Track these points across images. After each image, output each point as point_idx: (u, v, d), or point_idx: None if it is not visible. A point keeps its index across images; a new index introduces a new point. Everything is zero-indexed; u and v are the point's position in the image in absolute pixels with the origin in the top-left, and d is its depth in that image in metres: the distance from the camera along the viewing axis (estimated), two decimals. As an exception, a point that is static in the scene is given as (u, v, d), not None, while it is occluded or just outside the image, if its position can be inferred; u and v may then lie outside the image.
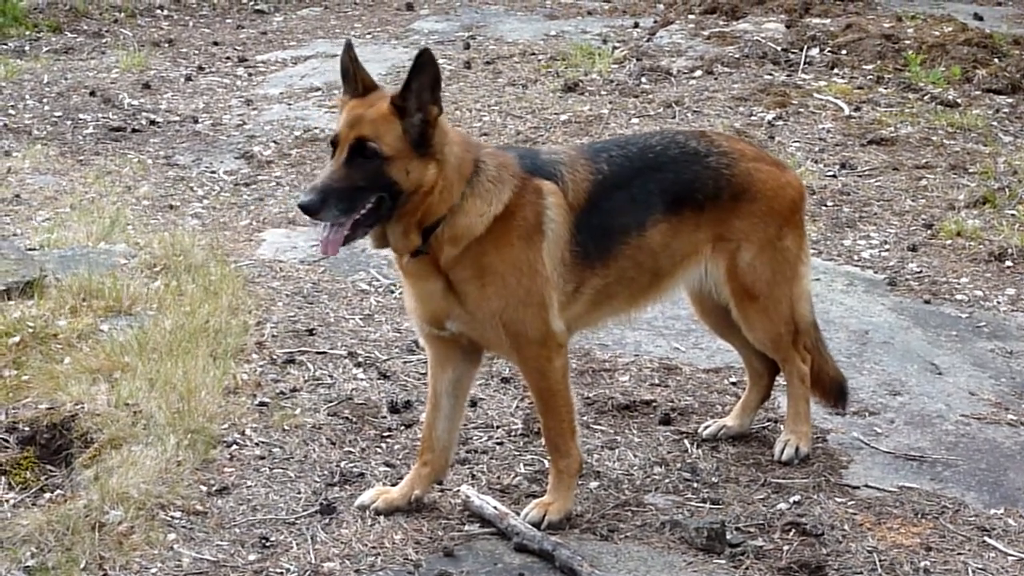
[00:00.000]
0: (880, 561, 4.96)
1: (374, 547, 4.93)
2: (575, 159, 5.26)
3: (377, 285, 7.37)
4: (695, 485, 5.47)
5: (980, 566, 4.98)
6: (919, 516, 5.28)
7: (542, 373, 5.07)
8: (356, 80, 4.92)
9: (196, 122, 10.66)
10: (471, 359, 5.26)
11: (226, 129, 10.52)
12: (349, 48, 4.95)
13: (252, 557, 4.85)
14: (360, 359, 6.40)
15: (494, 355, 5.74)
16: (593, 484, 5.44)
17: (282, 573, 4.75)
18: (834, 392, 5.88)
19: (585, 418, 5.90)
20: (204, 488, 5.21)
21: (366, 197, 4.76)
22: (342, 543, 4.94)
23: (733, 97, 10.81)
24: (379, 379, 6.23)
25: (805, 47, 11.96)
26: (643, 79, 11.32)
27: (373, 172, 4.76)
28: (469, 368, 5.28)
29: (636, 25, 13.60)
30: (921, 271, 7.82)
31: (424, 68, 4.77)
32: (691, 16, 13.38)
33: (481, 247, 4.93)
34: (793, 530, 5.12)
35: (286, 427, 5.71)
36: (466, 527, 5.08)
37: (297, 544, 4.93)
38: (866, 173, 9.30)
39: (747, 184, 5.45)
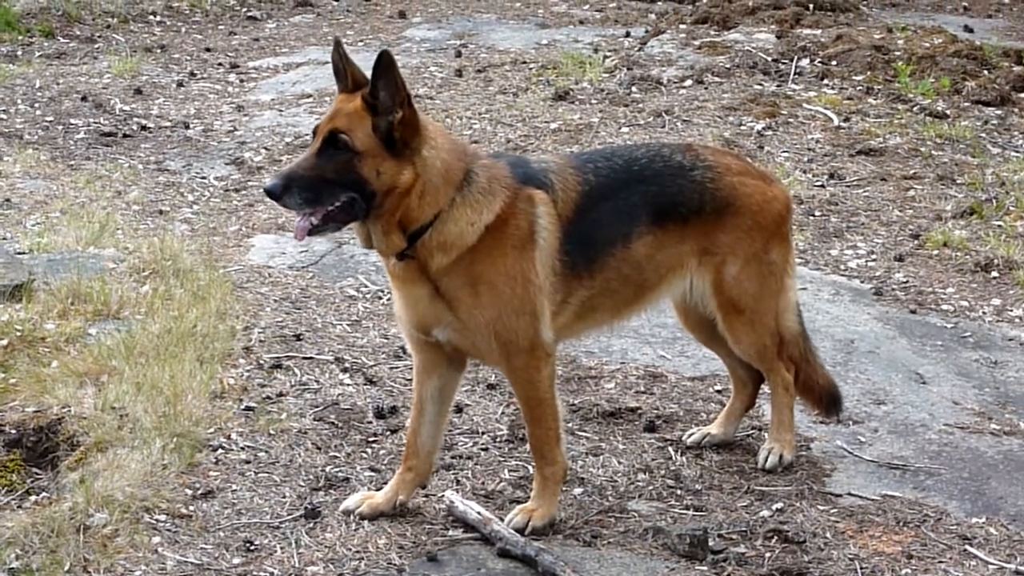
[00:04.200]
0: (862, 569, 4.99)
1: (358, 551, 4.94)
2: (564, 168, 5.25)
3: (365, 291, 7.39)
4: (678, 492, 5.49)
5: (961, 574, 5.00)
6: (901, 524, 5.31)
7: (530, 382, 5.09)
8: (347, 76, 4.93)
9: (187, 128, 10.68)
10: (456, 366, 5.27)
11: (217, 135, 10.54)
12: (338, 45, 4.97)
13: (236, 560, 4.86)
14: (347, 364, 6.42)
15: (479, 363, 5.76)
16: (577, 490, 5.46)
17: (266, 577, 4.78)
18: (826, 400, 5.89)
19: (570, 425, 5.92)
20: (189, 492, 5.23)
21: (335, 192, 4.77)
22: (326, 547, 4.96)
23: (723, 107, 10.84)
24: (365, 384, 6.25)
25: (795, 57, 12.00)
26: (633, 88, 11.36)
27: (343, 166, 4.78)
28: (454, 374, 5.29)
29: (627, 35, 13.66)
30: (907, 281, 7.85)
31: (384, 71, 4.76)
32: (682, 26, 13.42)
33: (473, 256, 4.92)
34: (775, 537, 5.14)
35: (272, 431, 5.73)
36: (450, 532, 5.10)
37: (281, 548, 4.94)
38: (854, 183, 9.34)
39: (732, 198, 5.46)
